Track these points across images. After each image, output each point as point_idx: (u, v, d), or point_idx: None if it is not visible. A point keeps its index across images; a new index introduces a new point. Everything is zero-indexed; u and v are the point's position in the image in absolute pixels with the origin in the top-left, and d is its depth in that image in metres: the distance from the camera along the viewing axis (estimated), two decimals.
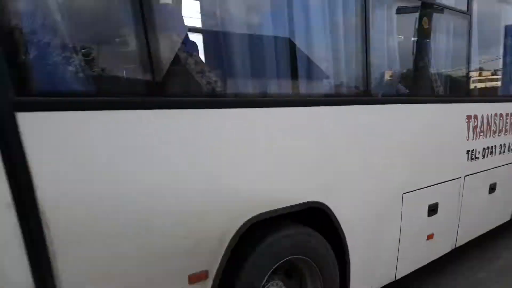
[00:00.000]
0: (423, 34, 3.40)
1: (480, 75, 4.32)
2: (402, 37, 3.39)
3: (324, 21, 2.65)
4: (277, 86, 2.57)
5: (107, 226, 1.64)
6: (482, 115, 3.86)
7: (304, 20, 2.56)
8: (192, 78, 2.02)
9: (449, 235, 3.77)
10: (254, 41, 2.43)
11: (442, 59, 3.73)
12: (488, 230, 4.42)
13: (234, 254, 2.01)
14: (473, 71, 3.99)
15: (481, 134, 3.90)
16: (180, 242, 1.86)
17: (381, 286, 3.10)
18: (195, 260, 1.93)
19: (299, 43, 2.59)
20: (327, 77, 2.80)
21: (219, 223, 1.98)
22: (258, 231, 2.11)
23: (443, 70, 3.69)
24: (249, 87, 2.44)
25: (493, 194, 4.27)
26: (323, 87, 2.84)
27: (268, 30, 2.52)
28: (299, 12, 2.54)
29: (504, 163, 4.34)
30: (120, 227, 1.68)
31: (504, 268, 4.11)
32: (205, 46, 2.61)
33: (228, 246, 1.98)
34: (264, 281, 2.19)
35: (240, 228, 2.01)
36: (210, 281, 1.96)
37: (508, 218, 4.76)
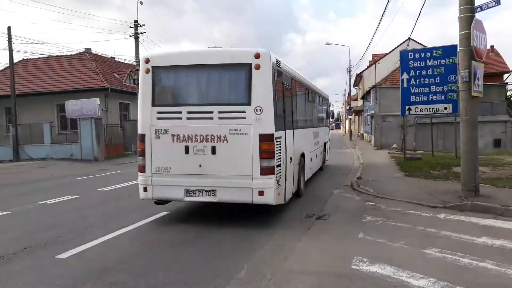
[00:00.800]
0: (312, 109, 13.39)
1: (315, 120, 13.56)
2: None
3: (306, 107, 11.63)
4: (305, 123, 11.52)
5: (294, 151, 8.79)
6: (313, 131, 12.54)
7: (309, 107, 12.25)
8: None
9: (314, 168, 12.51)
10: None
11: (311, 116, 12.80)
12: (315, 171, 13.13)
13: (300, 159, 9.48)
14: (315, 119, 13.46)
15: (314, 137, 12.59)
16: (296, 155, 9.01)
17: (309, 177, 11.29)
18: (299, 154, 9.62)
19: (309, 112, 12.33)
20: (311, 123, 12.38)
21: (300, 153, 9.44)
22: (302, 156, 9.67)
23: (313, 120, 13.19)
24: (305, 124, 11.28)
25: (315, 159, 12.75)
26: (310, 123, 12.13)
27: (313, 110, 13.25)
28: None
29: (316, 148, 13.03)
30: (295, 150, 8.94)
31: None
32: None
33: (299, 157, 9.35)
34: (300, 166, 9.51)
35: (300, 154, 9.48)
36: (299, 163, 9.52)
37: (317, 169, 13.46)
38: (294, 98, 9.50)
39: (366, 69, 44.12)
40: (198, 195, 7.17)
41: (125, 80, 30.13)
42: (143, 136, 7.34)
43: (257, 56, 6.93)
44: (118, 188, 12.34)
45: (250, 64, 6.91)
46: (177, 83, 7.60)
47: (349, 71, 45.00)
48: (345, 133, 58.46)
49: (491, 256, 5.24)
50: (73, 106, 23.58)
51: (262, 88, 6.93)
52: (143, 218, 7.86)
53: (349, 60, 47.25)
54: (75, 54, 30.39)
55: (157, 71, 7.35)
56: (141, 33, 27.28)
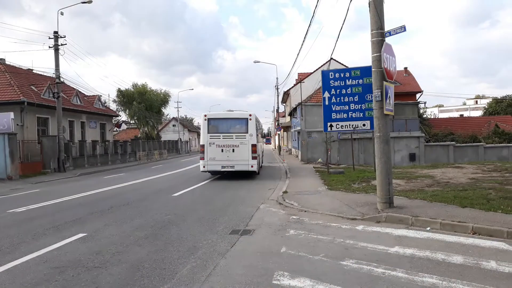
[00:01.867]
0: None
1: (259, 138, 24.47)
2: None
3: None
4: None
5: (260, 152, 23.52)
6: (260, 144, 24.00)
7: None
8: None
9: (260, 164, 22.49)
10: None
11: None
12: (260, 166, 22.65)
13: (259, 156, 21.55)
14: (259, 138, 24.17)
15: (260, 147, 24.61)
16: (259, 154, 21.34)
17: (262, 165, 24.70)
18: (258, 154, 21.41)
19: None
20: (259, 139, 24.09)
21: (258, 154, 19.62)
22: (259, 156, 20.84)
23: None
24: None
25: (261, 158, 24.96)
26: (259, 140, 22.93)
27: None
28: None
29: (261, 153, 24.97)
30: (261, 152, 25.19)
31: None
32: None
33: (259, 155, 20.72)
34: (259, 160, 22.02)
35: (258, 155, 19.49)
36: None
37: (261, 164, 24.64)
38: (257, 128, 20.03)
39: (292, 87, 45.60)
40: (227, 168, 17.83)
41: (43, 93, 28.43)
42: (203, 145, 17.93)
43: (250, 115, 18.11)
44: (33, 209, 11.47)
45: (247, 118, 18.05)
46: (218, 124, 18.27)
47: (277, 89, 46.31)
48: (275, 148, 59.78)
49: (402, 264, 5.58)
50: None
51: (252, 127, 17.95)
52: (57, 241, 7.37)
53: (277, 78, 49.04)
54: None
55: (209, 120, 18.20)
56: (62, 44, 25.92)
